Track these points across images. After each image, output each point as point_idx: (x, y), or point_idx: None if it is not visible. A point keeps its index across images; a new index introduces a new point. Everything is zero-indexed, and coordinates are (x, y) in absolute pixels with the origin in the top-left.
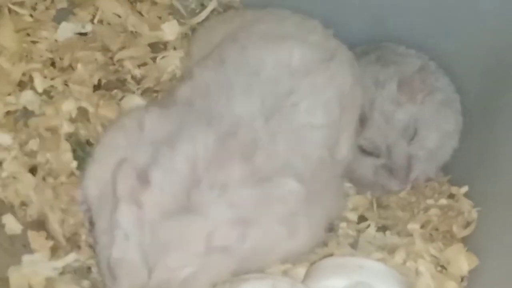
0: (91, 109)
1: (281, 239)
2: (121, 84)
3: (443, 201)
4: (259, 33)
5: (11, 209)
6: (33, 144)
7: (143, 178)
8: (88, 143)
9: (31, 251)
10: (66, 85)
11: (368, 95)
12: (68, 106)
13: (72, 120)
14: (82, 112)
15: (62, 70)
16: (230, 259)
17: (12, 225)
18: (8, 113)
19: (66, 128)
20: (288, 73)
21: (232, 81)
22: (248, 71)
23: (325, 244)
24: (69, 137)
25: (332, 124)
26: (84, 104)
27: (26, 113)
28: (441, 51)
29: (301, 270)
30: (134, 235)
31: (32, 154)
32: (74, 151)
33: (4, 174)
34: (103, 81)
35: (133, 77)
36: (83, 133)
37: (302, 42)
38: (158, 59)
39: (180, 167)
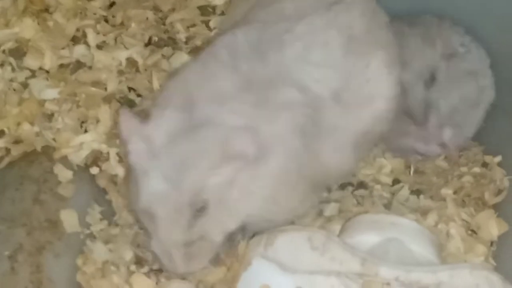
0: (140, 61)
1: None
2: (172, 41)
3: (476, 169)
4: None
5: (62, 157)
6: (80, 99)
7: (144, 118)
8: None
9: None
10: (118, 41)
11: None
12: (119, 55)
13: (120, 72)
14: (132, 63)
15: (115, 26)
16: (251, 170)
17: (64, 172)
18: (61, 66)
19: (113, 84)
20: (283, 18)
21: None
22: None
23: (360, 203)
24: (116, 94)
25: (333, 66)
26: (135, 56)
27: (79, 66)
28: (477, 25)
29: (336, 227)
30: (153, 166)
31: (81, 105)
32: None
33: (55, 124)
34: (154, 38)
35: (183, 34)
36: (130, 85)
37: None
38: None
39: (175, 97)
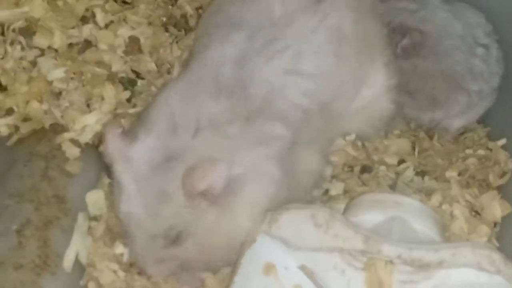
0: (147, 42)
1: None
2: (180, 23)
3: (481, 152)
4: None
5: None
6: (86, 78)
7: (130, 137)
8: (139, 76)
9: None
10: (125, 21)
11: None
12: (126, 35)
13: (126, 52)
14: (138, 43)
15: (123, 6)
16: (217, 208)
17: (71, 149)
18: (70, 45)
19: (118, 64)
20: (270, 24)
21: (212, 34)
22: (229, 24)
23: (365, 183)
24: (119, 75)
25: (324, 74)
26: (142, 36)
27: (88, 46)
28: (485, 4)
29: (340, 206)
30: (133, 190)
31: (87, 84)
32: (124, 88)
33: (63, 102)
34: (162, 19)
35: (191, 16)
36: (133, 65)
37: None
38: None
39: (159, 121)
